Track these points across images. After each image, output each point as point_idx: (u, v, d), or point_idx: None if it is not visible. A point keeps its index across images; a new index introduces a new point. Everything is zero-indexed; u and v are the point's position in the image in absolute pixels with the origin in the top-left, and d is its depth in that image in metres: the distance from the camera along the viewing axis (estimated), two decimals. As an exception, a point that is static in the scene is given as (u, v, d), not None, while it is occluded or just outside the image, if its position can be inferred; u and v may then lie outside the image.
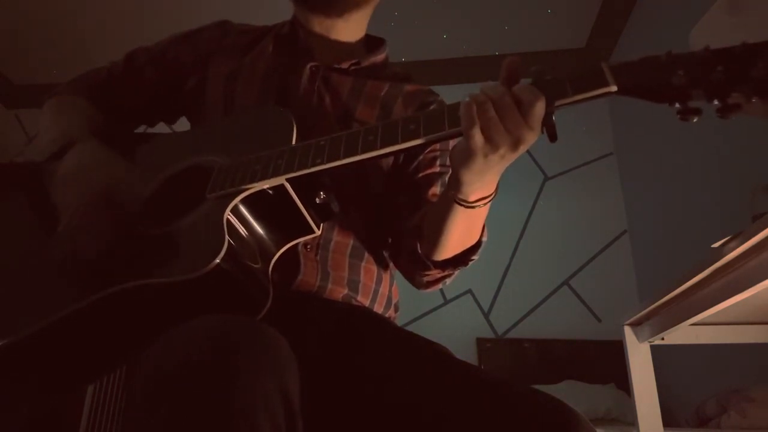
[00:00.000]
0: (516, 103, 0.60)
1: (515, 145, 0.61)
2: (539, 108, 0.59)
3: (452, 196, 0.71)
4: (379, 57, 1.00)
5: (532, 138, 0.61)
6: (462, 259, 0.82)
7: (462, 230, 0.77)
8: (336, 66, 0.94)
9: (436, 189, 0.89)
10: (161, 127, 1.03)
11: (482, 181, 0.68)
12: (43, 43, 3.40)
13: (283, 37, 0.97)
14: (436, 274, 0.85)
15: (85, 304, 0.64)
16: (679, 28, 2.30)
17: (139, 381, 0.52)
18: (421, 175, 0.91)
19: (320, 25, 0.95)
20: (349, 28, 0.97)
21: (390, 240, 0.94)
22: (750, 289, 0.93)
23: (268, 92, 0.90)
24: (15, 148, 3.75)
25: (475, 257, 0.83)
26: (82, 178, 0.76)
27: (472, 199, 0.70)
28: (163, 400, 0.48)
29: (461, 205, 0.71)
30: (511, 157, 0.63)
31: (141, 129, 1.03)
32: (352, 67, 0.95)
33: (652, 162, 2.74)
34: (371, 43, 1.02)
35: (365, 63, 0.96)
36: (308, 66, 0.92)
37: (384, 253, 0.94)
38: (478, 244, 0.82)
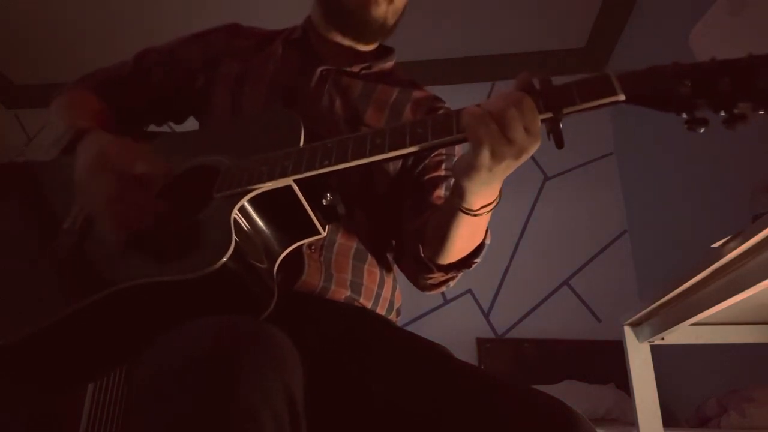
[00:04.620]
0: (520, 115, 0.60)
1: (519, 155, 0.62)
2: (537, 118, 0.60)
3: (456, 205, 0.72)
4: (388, 64, 1.01)
5: (534, 147, 0.62)
6: (465, 262, 0.83)
7: (465, 236, 0.78)
8: (347, 69, 0.94)
9: (441, 192, 0.90)
10: (168, 128, 1.03)
11: (486, 190, 0.69)
12: (43, 43, 3.40)
13: (293, 42, 0.97)
14: (439, 277, 0.86)
15: (91, 302, 0.64)
16: (679, 28, 2.30)
17: (142, 379, 0.52)
18: (426, 177, 0.92)
19: (341, 39, 0.97)
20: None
21: (393, 242, 0.95)
22: (750, 289, 0.93)
23: (276, 94, 0.90)
24: (15, 148, 3.75)
25: (478, 260, 0.83)
26: (104, 166, 0.72)
27: (476, 207, 0.71)
28: (166, 398, 0.48)
29: (466, 213, 0.72)
30: (515, 166, 0.64)
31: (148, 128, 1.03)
32: (363, 71, 0.96)
33: (652, 162, 2.74)
34: (380, 49, 1.04)
35: (375, 68, 0.98)
36: (319, 69, 0.93)
37: (388, 256, 0.94)
38: (481, 246, 0.82)
